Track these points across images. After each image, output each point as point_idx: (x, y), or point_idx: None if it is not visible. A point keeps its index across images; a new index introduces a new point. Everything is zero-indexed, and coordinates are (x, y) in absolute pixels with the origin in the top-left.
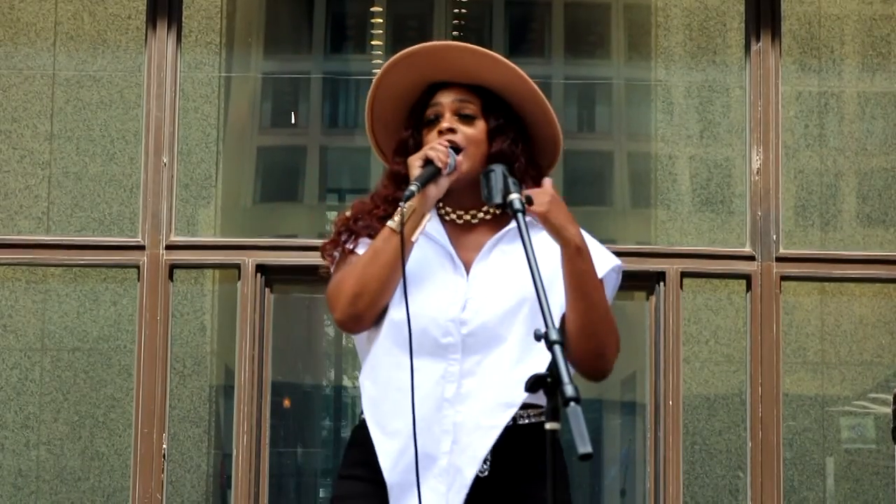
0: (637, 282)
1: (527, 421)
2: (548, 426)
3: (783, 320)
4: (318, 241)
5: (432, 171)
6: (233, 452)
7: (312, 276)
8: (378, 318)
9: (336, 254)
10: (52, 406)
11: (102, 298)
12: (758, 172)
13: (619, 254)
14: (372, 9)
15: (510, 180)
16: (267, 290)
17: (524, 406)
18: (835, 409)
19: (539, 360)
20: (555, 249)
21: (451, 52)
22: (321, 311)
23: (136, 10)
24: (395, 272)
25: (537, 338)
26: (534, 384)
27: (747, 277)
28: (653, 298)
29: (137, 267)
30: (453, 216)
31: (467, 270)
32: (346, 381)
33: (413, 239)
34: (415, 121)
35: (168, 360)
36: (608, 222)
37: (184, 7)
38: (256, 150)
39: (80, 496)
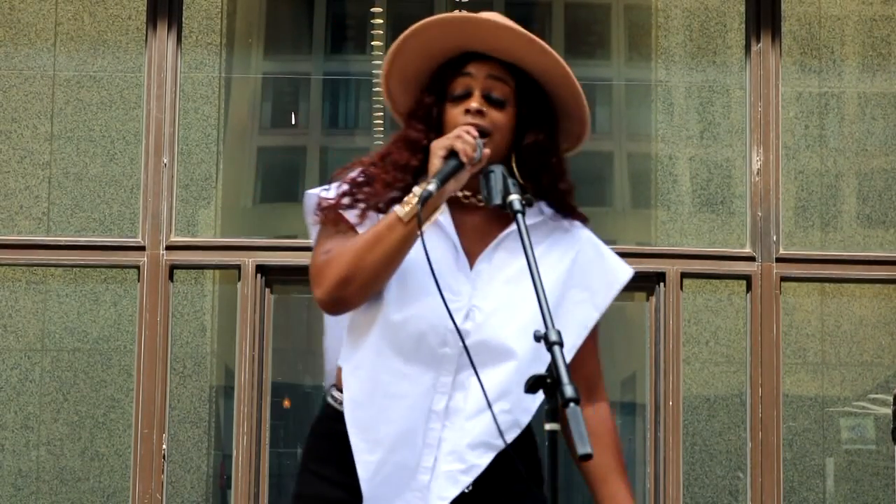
0: (637, 282)
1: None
2: (547, 427)
3: (783, 321)
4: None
5: (455, 166)
6: (233, 453)
7: None
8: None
9: (330, 214)
10: (52, 406)
11: (103, 299)
12: (758, 173)
13: (618, 254)
14: (372, 9)
15: (510, 181)
16: (267, 290)
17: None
18: (835, 409)
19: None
20: (561, 256)
21: (491, 27)
22: (321, 312)
23: (137, 10)
24: (392, 264)
25: (537, 339)
26: (533, 385)
27: (747, 278)
28: (653, 299)
29: (138, 267)
30: (458, 194)
31: (470, 264)
32: None
33: (418, 232)
34: (439, 87)
35: (168, 361)
36: (608, 223)
37: (184, 7)
38: (256, 150)
39: (80, 496)
